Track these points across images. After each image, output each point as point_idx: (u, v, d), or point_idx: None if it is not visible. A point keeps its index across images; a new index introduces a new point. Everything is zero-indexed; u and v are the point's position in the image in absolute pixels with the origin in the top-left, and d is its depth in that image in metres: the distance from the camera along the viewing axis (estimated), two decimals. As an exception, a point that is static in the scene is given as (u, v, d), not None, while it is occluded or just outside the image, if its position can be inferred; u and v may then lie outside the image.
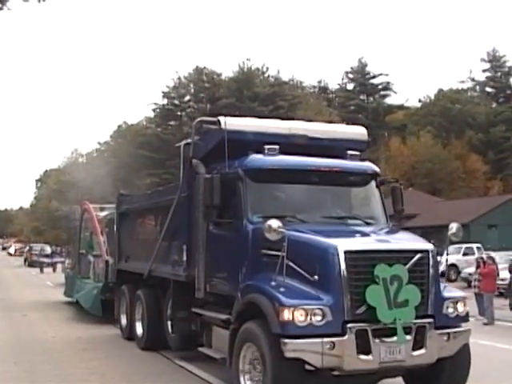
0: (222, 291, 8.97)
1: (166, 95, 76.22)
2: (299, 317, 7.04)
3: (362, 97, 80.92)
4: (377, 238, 8.11)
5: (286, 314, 7.04)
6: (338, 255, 7.27)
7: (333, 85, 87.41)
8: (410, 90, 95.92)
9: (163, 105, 76.50)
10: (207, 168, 9.38)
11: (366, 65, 80.00)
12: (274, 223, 7.45)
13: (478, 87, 79.57)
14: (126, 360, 11.50)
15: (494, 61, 77.73)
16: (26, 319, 17.37)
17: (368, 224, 8.95)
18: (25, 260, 57.08)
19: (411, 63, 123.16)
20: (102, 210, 20.84)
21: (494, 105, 77.27)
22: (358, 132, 10.18)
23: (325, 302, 7.17)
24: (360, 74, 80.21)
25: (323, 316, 7.10)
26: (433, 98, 76.80)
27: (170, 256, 10.64)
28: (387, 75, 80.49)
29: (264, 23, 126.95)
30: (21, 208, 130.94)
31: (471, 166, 65.92)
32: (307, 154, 9.04)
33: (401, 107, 79.73)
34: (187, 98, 77.39)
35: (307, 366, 7.13)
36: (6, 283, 32.35)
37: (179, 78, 76.43)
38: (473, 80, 79.37)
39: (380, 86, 79.99)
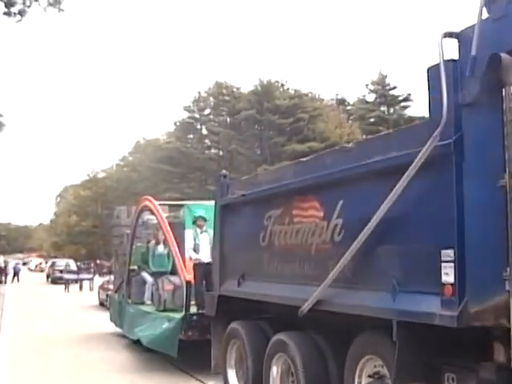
0: None
1: (186, 109, 70.91)
2: None
3: (382, 108, 74.85)
4: None
5: None
6: None
7: (350, 98, 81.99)
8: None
9: (183, 119, 71.14)
10: None
11: (385, 76, 74.30)
12: None
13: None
14: None
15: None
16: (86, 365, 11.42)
17: None
18: (47, 276, 50.88)
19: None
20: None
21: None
22: None
23: None
24: (380, 86, 74.50)
25: None
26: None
27: (390, 274, 4.99)
28: (407, 86, 75.17)
29: (280, 38, 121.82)
30: (40, 224, 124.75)
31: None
32: None
33: (422, 119, 73.39)
34: (207, 111, 71.97)
35: None
36: (34, 307, 25.01)
37: (199, 92, 71.37)
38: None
39: (401, 97, 74.10)
